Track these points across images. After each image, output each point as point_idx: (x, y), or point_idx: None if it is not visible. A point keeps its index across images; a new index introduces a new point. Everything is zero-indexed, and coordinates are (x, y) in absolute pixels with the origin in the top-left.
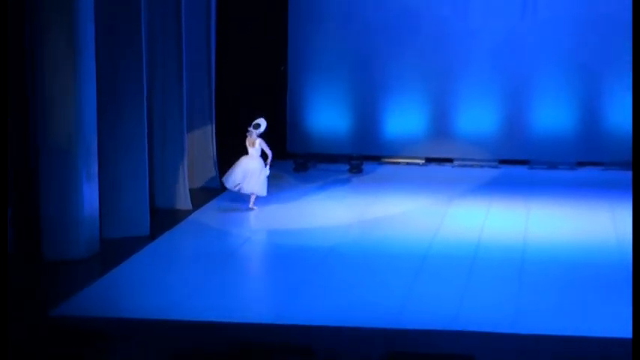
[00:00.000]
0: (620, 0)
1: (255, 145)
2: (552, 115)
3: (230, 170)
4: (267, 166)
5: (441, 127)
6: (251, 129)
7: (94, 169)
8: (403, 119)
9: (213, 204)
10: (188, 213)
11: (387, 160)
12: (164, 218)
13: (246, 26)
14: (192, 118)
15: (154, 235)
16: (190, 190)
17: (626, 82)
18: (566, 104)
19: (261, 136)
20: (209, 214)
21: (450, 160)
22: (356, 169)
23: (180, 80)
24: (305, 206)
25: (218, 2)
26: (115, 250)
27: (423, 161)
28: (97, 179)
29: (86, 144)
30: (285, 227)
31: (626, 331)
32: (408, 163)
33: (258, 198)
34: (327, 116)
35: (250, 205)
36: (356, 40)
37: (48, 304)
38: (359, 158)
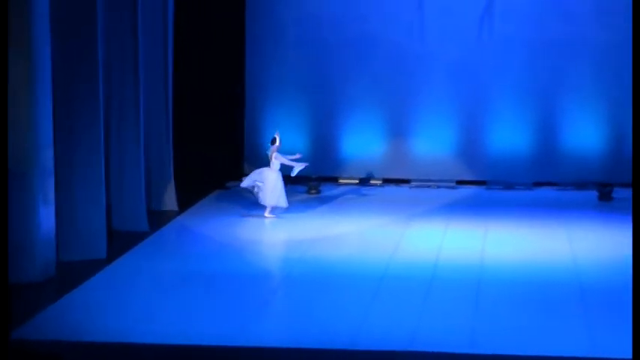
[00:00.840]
0: (575, 23)
1: (272, 158)
2: (508, 136)
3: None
4: (295, 169)
5: (398, 148)
6: (269, 144)
7: (50, 191)
8: (361, 141)
9: (171, 226)
10: (146, 235)
11: (344, 181)
12: (122, 240)
13: (203, 47)
14: (150, 140)
15: (111, 257)
16: (148, 212)
17: (580, 104)
18: (523, 125)
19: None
20: (167, 236)
21: (407, 181)
22: (314, 191)
23: (137, 101)
24: (262, 228)
25: (175, 23)
26: (71, 273)
27: (381, 182)
28: (53, 201)
29: (42, 166)
30: (242, 249)
31: (583, 350)
32: (365, 185)
33: (275, 208)
34: (284, 138)
35: (265, 214)
36: (313, 62)
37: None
38: (317, 179)
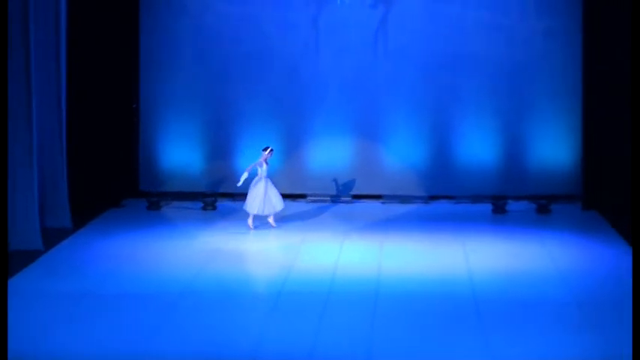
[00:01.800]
0: (470, 37)
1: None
2: (404, 150)
3: None
4: (241, 178)
5: (294, 163)
6: (262, 150)
7: None
8: (257, 156)
9: (65, 244)
10: (39, 254)
11: (241, 197)
12: (15, 260)
13: (96, 62)
14: (43, 157)
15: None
16: (42, 230)
17: (475, 118)
18: (418, 139)
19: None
20: (62, 254)
21: (303, 196)
22: (210, 207)
23: (29, 119)
24: (158, 245)
25: (68, 40)
26: None
27: None
28: None
29: None
30: (138, 267)
31: None
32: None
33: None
34: (180, 154)
35: (270, 223)
36: (209, 77)
37: None
38: (213, 195)
